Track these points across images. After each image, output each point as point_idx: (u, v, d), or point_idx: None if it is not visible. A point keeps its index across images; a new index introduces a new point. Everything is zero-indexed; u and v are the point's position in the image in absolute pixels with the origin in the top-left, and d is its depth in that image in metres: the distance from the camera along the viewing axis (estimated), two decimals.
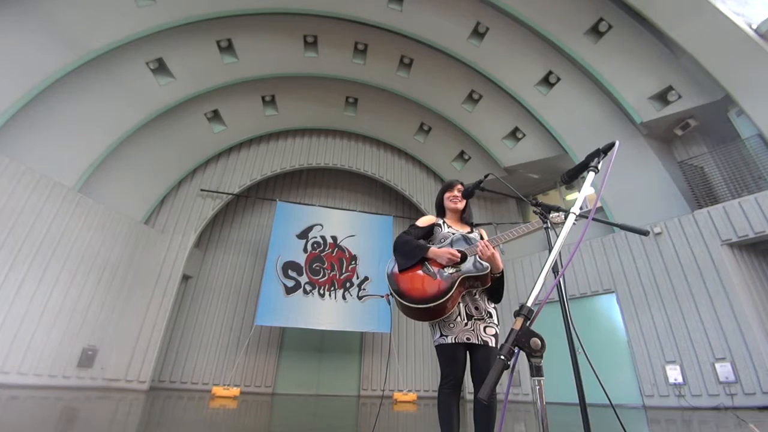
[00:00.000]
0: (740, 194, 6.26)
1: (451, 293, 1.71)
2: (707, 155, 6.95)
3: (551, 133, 8.48)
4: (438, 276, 1.78)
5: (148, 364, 7.35)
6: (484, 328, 1.78)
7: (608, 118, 7.71)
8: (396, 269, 1.88)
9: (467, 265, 1.82)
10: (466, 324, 1.77)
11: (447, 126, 9.84)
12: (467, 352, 1.78)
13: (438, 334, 1.78)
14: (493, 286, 1.88)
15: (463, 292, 1.81)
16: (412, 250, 1.88)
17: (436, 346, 1.79)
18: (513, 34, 7.70)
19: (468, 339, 1.74)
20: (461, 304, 1.81)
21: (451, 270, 1.80)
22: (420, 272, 1.82)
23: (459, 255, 1.83)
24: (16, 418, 3.23)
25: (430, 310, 1.72)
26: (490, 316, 1.83)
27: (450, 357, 1.72)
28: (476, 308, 1.82)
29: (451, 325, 1.75)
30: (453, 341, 1.73)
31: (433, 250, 1.86)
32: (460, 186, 2.12)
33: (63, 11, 5.99)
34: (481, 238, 2.02)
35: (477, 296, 1.86)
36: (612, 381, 6.63)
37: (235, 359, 8.40)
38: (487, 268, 1.81)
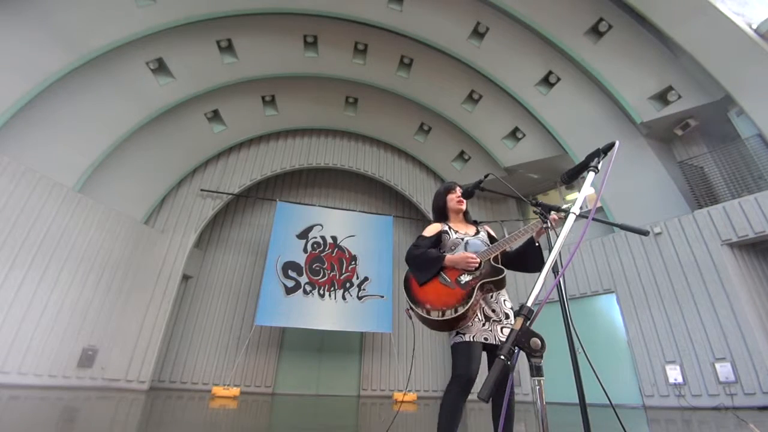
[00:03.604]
0: (740, 194, 6.27)
1: (471, 301, 1.69)
2: (707, 155, 6.95)
3: (551, 133, 8.48)
4: (456, 285, 1.76)
5: (148, 364, 7.35)
6: (501, 329, 1.77)
7: (608, 118, 7.71)
8: (413, 283, 1.85)
9: (484, 270, 1.80)
10: (483, 325, 1.76)
11: (447, 126, 9.84)
12: (483, 352, 1.77)
13: (454, 333, 1.76)
14: (535, 258, 1.88)
15: (481, 297, 1.80)
16: (427, 262, 1.85)
17: (452, 345, 1.76)
18: (513, 34, 7.70)
19: (486, 339, 1.73)
20: (479, 306, 1.80)
21: (467, 277, 1.78)
22: (437, 283, 1.80)
23: (477, 259, 1.81)
24: (16, 418, 3.23)
25: (450, 322, 1.70)
26: (507, 318, 1.82)
27: (467, 355, 1.69)
28: (493, 310, 1.81)
29: (470, 324, 1.74)
30: (471, 339, 1.71)
31: (449, 258, 1.83)
32: (459, 187, 2.14)
33: (63, 11, 5.99)
34: (489, 236, 2.02)
35: (493, 298, 1.85)
36: (612, 381, 6.63)
37: (235, 359, 8.40)
38: (503, 270, 1.81)
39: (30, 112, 6.22)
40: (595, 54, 7.14)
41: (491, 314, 1.80)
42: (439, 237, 1.98)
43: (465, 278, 1.78)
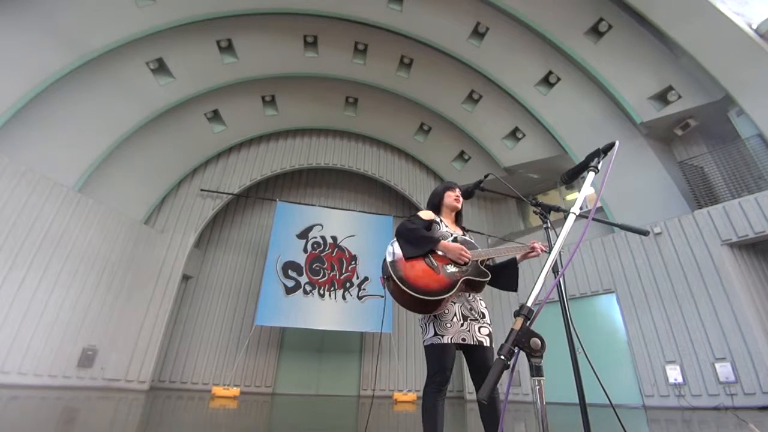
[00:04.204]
0: (740, 194, 6.26)
1: (452, 292, 1.71)
2: (707, 155, 6.95)
3: (551, 133, 8.48)
4: (441, 271, 1.77)
5: (148, 364, 7.35)
6: (479, 328, 1.79)
7: (608, 118, 7.71)
8: (398, 254, 1.81)
9: (471, 269, 1.82)
10: (461, 325, 1.77)
11: (447, 126, 9.84)
12: (456, 353, 1.79)
13: (432, 333, 1.76)
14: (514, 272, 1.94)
15: (459, 294, 1.82)
16: (420, 239, 1.82)
17: (428, 345, 1.77)
18: (513, 34, 7.70)
19: (464, 339, 1.74)
20: (457, 305, 1.81)
21: (454, 269, 1.79)
22: (423, 263, 1.78)
23: (469, 255, 1.81)
24: (16, 418, 3.23)
25: (427, 303, 1.69)
26: (483, 317, 1.85)
27: (442, 357, 1.72)
28: (471, 309, 1.83)
29: (448, 325, 1.75)
30: (448, 341, 1.72)
31: (444, 243, 1.82)
32: (458, 188, 2.17)
33: (63, 11, 5.99)
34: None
35: (471, 297, 1.87)
36: (612, 381, 6.63)
37: (235, 359, 8.40)
38: (488, 276, 1.83)
39: (30, 112, 6.22)
40: (595, 54, 7.14)
41: (468, 313, 1.81)
42: (430, 225, 1.99)
43: (451, 269, 1.79)
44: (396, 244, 1.85)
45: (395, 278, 1.71)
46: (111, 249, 7.46)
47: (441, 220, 2.04)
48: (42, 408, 3.94)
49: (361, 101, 9.91)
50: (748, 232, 5.86)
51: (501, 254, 1.91)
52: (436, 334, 1.75)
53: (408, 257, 1.78)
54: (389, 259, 1.80)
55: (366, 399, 8.12)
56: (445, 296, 1.69)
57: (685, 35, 6.07)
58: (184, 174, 9.18)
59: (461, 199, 2.12)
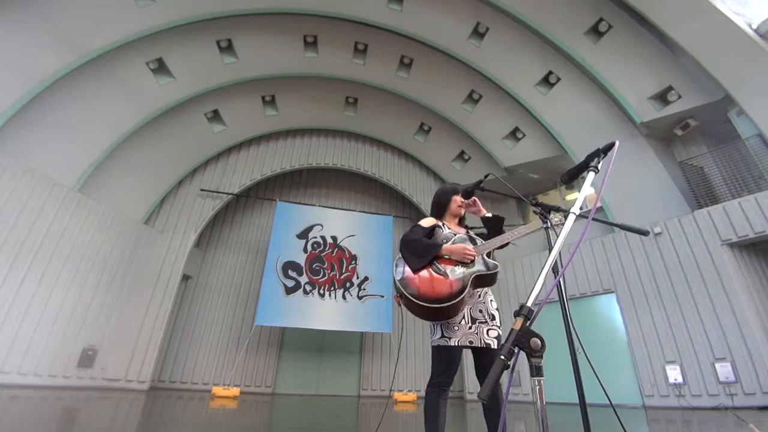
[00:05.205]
0: (740, 194, 6.26)
1: (465, 293, 1.70)
2: (707, 155, 6.95)
3: (551, 133, 8.48)
4: (450, 275, 1.76)
5: (148, 364, 7.35)
6: (487, 330, 1.78)
7: (608, 118, 7.71)
8: (406, 270, 1.81)
9: (478, 265, 1.82)
10: (470, 327, 1.76)
11: (447, 126, 9.84)
12: (463, 355, 1.79)
13: (439, 335, 1.77)
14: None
15: (470, 294, 1.81)
16: (424, 248, 1.83)
17: (435, 346, 1.77)
18: (513, 34, 7.70)
19: (471, 342, 1.74)
20: (467, 307, 1.80)
21: (461, 269, 1.79)
22: (430, 272, 1.78)
23: (473, 252, 1.82)
24: (16, 418, 3.23)
25: (442, 310, 1.68)
26: (493, 319, 1.84)
27: (448, 359, 1.72)
28: (480, 311, 1.83)
29: (456, 328, 1.75)
30: (455, 344, 1.72)
31: (446, 247, 1.83)
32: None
33: (63, 11, 5.99)
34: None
35: (480, 298, 1.86)
36: (612, 381, 6.62)
37: (235, 359, 8.40)
38: (497, 267, 1.82)
39: (30, 112, 6.21)
40: (595, 54, 7.14)
41: (478, 315, 1.81)
42: (432, 230, 1.99)
43: (459, 269, 1.79)
44: (401, 262, 1.85)
45: (408, 295, 1.71)
46: (111, 249, 7.46)
47: (443, 224, 2.05)
48: (42, 408, 3.94)
49: (361, 101, 9.91)
50: (748, 232, 5.86)
51: (511, 239, 1.91)
52: (443, 335, 1.75)
53: (415, 270, 1.78)
54: (398, 277, 1.79)
55: (366, 399, 8.12)
56: (459, 299, 1.67)
57: (685, 35, 6.07)
58: (184, 174, 9.18)
59: (464, 206, 2.13)
